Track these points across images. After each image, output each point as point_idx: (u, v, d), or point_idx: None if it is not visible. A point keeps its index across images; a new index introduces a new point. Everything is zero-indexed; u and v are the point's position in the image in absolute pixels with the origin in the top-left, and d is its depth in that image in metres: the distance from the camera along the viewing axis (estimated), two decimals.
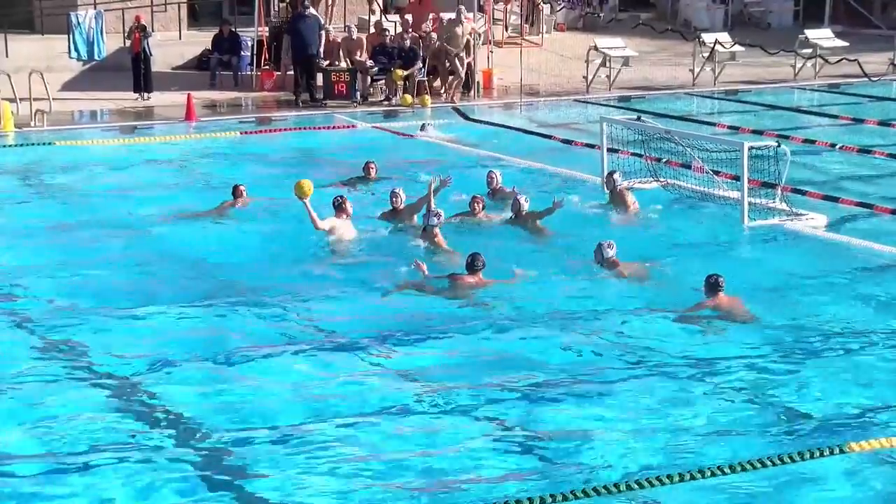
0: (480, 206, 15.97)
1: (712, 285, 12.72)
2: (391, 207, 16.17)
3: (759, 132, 21.76)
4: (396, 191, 16.25)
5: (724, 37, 30.56)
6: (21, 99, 23.51)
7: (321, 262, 14.85)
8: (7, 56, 27.76)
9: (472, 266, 13.39)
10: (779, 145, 16.60)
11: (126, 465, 9.47)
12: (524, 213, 15.65)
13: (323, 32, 26.64)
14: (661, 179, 17.69)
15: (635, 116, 19.05)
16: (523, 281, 13.72)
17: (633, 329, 12.49)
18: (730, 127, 23.18)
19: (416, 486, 9.15)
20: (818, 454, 9.44)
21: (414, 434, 10.12)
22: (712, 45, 29.51)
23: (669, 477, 9.04)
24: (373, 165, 18.78)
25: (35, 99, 23.53)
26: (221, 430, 10.06)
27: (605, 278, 13.74)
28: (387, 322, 12.66)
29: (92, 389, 10.97)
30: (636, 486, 8.94)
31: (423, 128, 23.14)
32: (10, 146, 22.08)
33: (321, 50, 26.60)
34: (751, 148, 16.11)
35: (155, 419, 10.34)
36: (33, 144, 22.13)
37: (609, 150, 18.17)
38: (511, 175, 18.42)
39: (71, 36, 27.21)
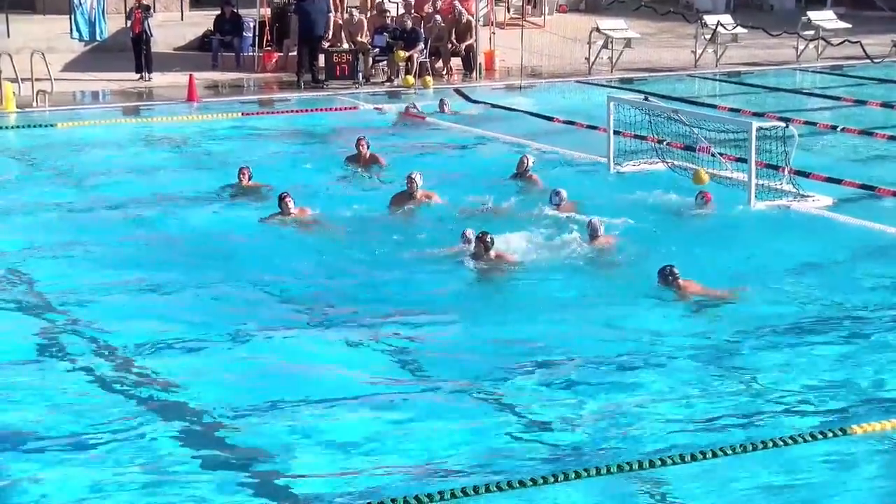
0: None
1: (665, 276, 12.59)
2: (406, 190, 15.98)
3: (760, 114, 21.56)
4: (413, 175, 16.00)
5: (727, 19, 30.37)
6: (23, 79, 23.40)
7: (332, 245, 14.74)
8: (9, 36, 27.55)
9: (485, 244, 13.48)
10: (787, 126, 16.45)
11: (130, 443, 9.43)
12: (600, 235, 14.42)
13: (331, 14, 26.45)
14: (668, 161, 17.53)
15: (642, 97, 18.88)
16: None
17: (638, 314, 12.36)
18: (732, 109, 22.97)
19: (420, 467, 9.11)
20: (820, 436, 9.39)
21: (415, 414, 10.06)
22: (714, 26, 29.32)
23: (661, 461, 9.02)
24: (363, 142, 18.51)
25: (37, 79, 23.42)
26: (227, 409, 10.00)
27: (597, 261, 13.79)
28: (399, 303, 12.63)
29: (91, 370, 10.90)
30: (639, 467, 8.92)
31: (407, 108, 23.04)
32: (12, 126, 21.95)
33: (331, 32, 26.48)
34: (759, 129, 15.96)
35: (157, 398, 10.28)
36: (35, 125, 21.97)
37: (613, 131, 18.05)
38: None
39: (72, 16, 27.07)
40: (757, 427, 9.70)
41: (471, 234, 14.05)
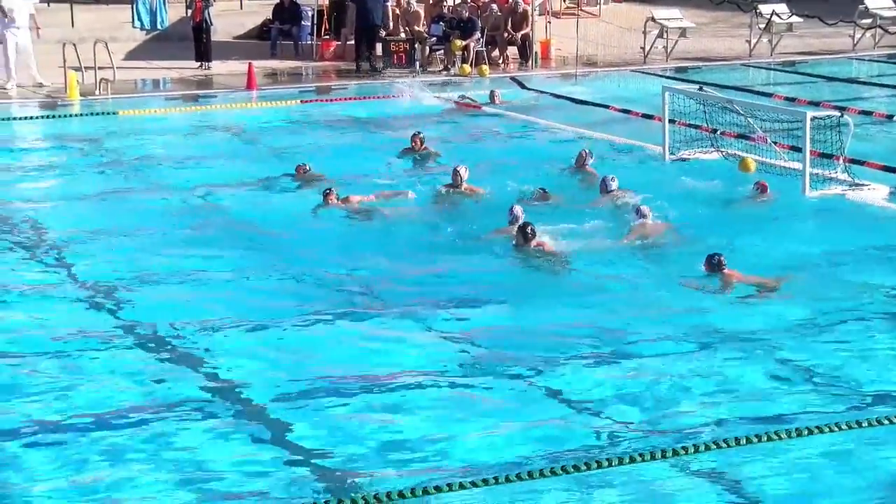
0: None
1: (712, 264, 12.47)
2: (452, 184, 15.94)
3: (816, 103, 21.32)
4: (458, 169, 15.92)
5: (782, 7, 30.03)
6: (86, 68, 23.59)
7: (377, 232, 14.74)
8: (73, 26, 27.86)
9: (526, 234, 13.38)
10: (842, 115, 16.27)
11: (176, 424, 9.47)
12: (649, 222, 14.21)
13: (388, 4, 26.50)
14: (722, 150, 17.40)
15: (697, 87, 18.73)
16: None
17: (685, 301, 12.24)
18: (787, 98, 22.74)
19: (458, 449, 9.10)
20: (875, 423, 9.31)
21: (454, 400, 10.02)
22: (769, 16, 29.04)
23: (716, 444, 8.95)
24: (418, 137, 18.46)
25: (100, 68, 23.59)
26: (273, 392, 10.04)
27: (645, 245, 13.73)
28: (444, 291, 12.60)
29: (145, 352, 10.97)
30: (694, 451, 8.88)
31: (461, 97, 23.10)
32: (75, 115, 22.16)
33: (389, 22, 26.55)
34: (814, 118, 15.78)
35: (205, 381, 10.34)
36: (98, 113, 22.17)
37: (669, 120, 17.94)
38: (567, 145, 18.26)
39: (134, 6, 27.34)
40: (805, 413, 9.59)
41: (518, 210, 14.04)
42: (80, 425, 9.43)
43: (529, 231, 13.41)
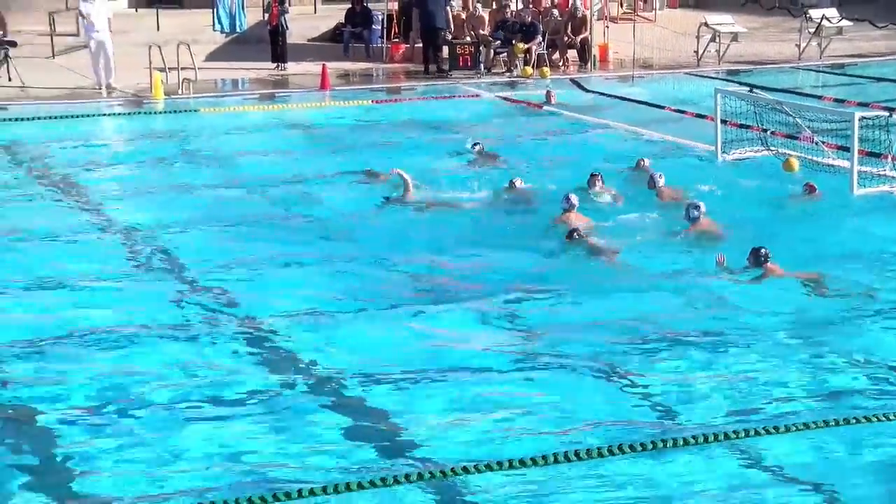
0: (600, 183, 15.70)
1: (758, 257, 12.44)
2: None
3: (865, 104, 21.17)
4: (514, 182, 15.80)
5: (832, 12, 29.87)
6: (170, 69, 23.93)
7: (437, 227, 14.76)
8: (158, 30, 28.37)
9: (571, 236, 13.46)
10: (890, 115, 16.21)
11: (258, 411, 9.55)
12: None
13: (448, 8, 26.69)
14: (772, 149, 17.40)
15: (747, 88, 18.72)
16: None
17: (735, 293, 12.23)
18: (836, 99, 22.62)
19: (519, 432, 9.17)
20: None
21: (525, 385, 10.10)
22: (819, 20, 28.88)
23: (766, 430, 9.02)
24: (479, 146, 18.38)
25: (182, 69, 23.94)
26: (347, 377, 10.15)
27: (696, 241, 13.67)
28: (493, 282, 12.63)
29: (227, 339, 11.09)
30: (745, 435, 8.91)
31: (547, 97, 23.07)
32: (160, 112, 22.53)
33: (452, 25, 26.73)
34: (862, 118, 15.73)
35: (285, 367, 10.45)
36: (181, 111, 22.53)
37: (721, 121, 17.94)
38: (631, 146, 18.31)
39: (215, 10, 27.71)
40: (853, 401, 9.62)
41: (574, 198, 14.13)
42: (164, 407, 9.57)
43: (576, 237, 13.43)
